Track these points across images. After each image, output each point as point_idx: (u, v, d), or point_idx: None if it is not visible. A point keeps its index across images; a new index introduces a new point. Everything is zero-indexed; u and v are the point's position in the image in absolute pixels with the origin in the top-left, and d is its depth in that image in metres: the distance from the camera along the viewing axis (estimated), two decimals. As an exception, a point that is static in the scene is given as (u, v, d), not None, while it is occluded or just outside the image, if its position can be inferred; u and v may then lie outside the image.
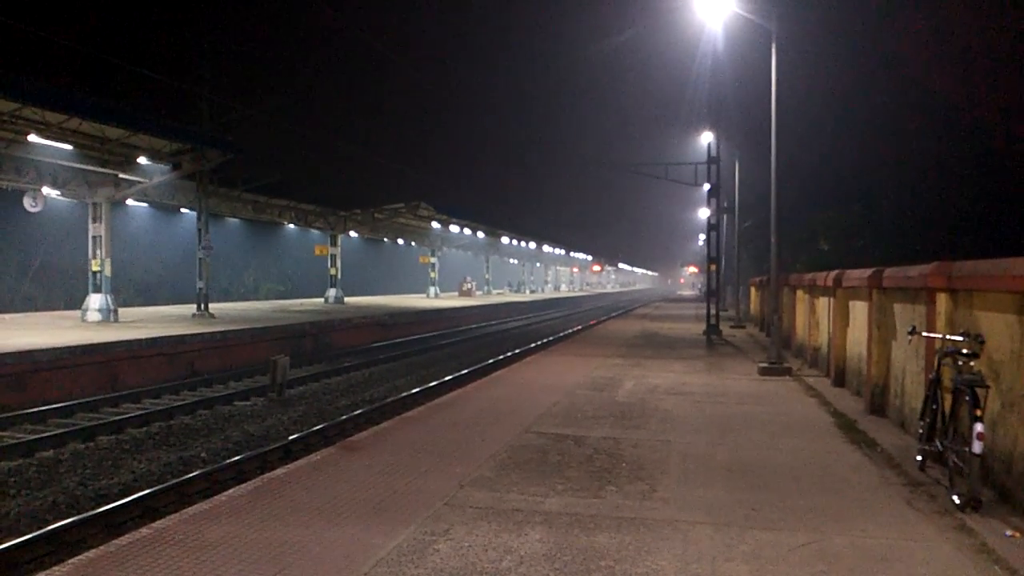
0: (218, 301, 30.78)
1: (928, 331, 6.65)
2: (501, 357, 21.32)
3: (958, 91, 25.31)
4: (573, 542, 4.49)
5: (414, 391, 15.19)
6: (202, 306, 23.66)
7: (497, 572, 4.04)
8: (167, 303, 30.42)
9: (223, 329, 18.94)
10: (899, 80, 27.38)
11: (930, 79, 26.12)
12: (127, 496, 8.01)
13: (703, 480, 5.89)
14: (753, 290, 29.75)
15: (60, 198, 22.31)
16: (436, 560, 4.19)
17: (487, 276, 60.78)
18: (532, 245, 60.70)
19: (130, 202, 26.63)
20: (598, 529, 4.72)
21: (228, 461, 9.54)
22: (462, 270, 59.65)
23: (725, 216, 30.40)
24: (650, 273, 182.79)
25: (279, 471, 6.25)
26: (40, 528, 7.02)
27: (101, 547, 4.43)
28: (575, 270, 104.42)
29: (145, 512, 7.65)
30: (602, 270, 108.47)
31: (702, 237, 44.79)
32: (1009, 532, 4.66)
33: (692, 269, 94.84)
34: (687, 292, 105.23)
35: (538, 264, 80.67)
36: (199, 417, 13.03)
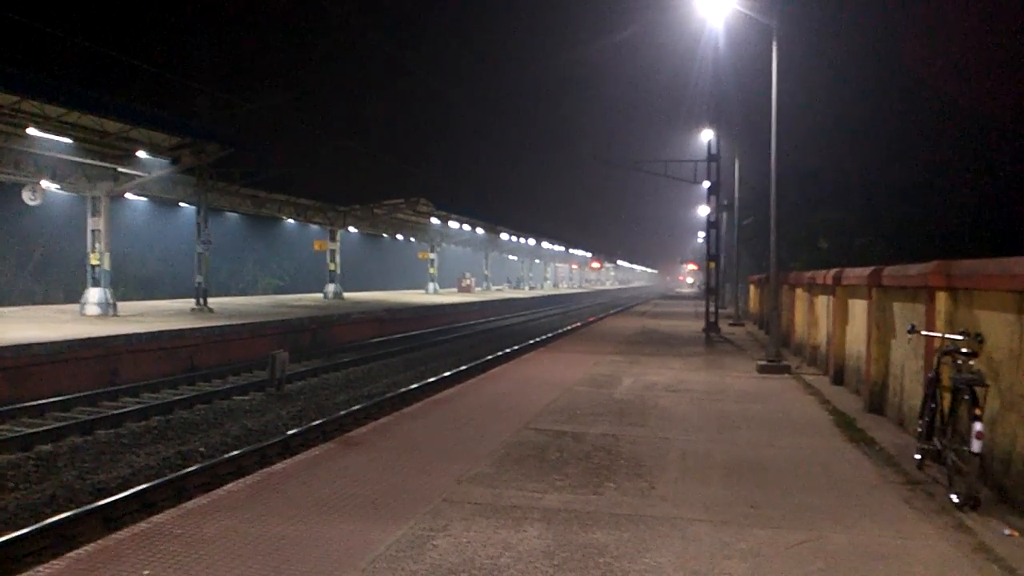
0: (217, 295, 30.77)
1: (927, 330, 6.64)
2: (500, 353, 21.33)
3: (959, 90, 25.32)
4: (572, 538, 4.48)
5: (413, 387, 15.19)
6: (201, 300, 23.65)
7: (496, 568, 4.04)
8: (166, 297, 30.40)
9: (222, 323, 18.93)
10: (900, 79, 27.40)
11: (931, 78, 26.14)
12: (125, 490, 8.01)
13: (702, 477, 5.89)
14: (752, 288, 29.74)
15: (59, 191, 22.25)
16: (434, 556, 4.19)
17: (486, 272, 60.72)
18: (531, 241, 60.69)
19: (129, 196, 26.55)
20: (597, 526, 4.72)
21: (227, 456, 9.54)
22: (461, 266, 59.59)
23: (725, 214, 30.35)
24: (649, 270, 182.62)
25: (278, 466, 6.25)
26: (38, 522, 7.02)
27: (99, 541, 4.42)
28: (574, 267, 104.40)
29: (143, 506, 7.66)
30: (601, 267, 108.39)
31: (701, 234, 44.84)
32: (1007, 531, 4.66)
33: (691, 266, 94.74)
34: (686, 289, 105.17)
35: (537, 261, 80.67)
36: (198, 411, 13.03)
